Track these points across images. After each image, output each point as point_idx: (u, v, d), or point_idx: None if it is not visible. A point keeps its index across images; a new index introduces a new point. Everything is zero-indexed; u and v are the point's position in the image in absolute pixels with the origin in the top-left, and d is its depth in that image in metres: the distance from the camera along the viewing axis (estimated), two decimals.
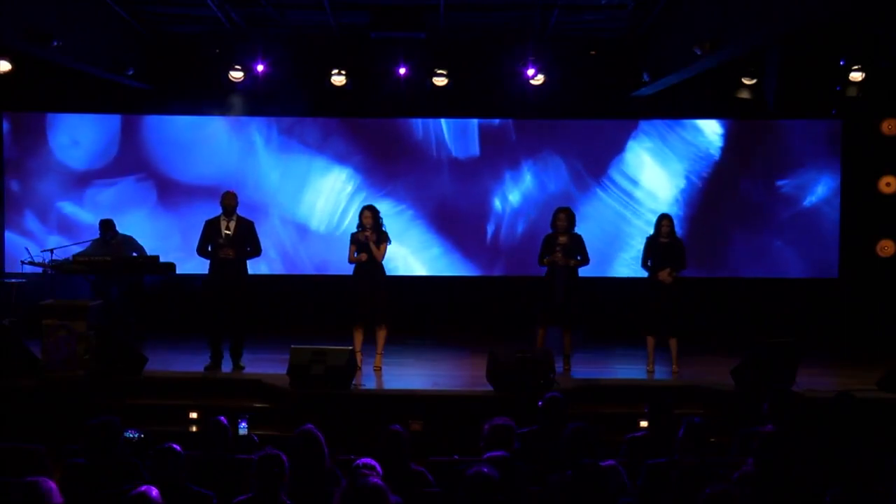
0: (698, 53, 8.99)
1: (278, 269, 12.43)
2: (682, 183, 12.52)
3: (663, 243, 9.77)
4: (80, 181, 12.38)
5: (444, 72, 11.54)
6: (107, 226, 11.06)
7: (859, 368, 10.00)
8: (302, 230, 12.54)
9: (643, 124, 12.49)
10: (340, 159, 12.54)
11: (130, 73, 11.09)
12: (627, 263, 12.29)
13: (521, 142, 12.55)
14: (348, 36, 11.79)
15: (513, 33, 11.73)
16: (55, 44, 9.03)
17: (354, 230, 9.78)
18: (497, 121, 12.51)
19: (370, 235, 9.61)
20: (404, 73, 11.64)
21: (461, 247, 12.60)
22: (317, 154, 12.53)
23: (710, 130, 12.55)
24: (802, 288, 12.40)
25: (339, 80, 11.62)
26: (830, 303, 12.22)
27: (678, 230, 10.27)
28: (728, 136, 12.55)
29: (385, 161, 12.55)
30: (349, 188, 12.54)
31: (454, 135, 12.55)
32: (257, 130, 12.50)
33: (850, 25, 10.02)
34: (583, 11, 10.98)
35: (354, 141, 12.54)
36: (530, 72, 11.48)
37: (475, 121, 12.51)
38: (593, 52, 12.10)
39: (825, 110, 12.14)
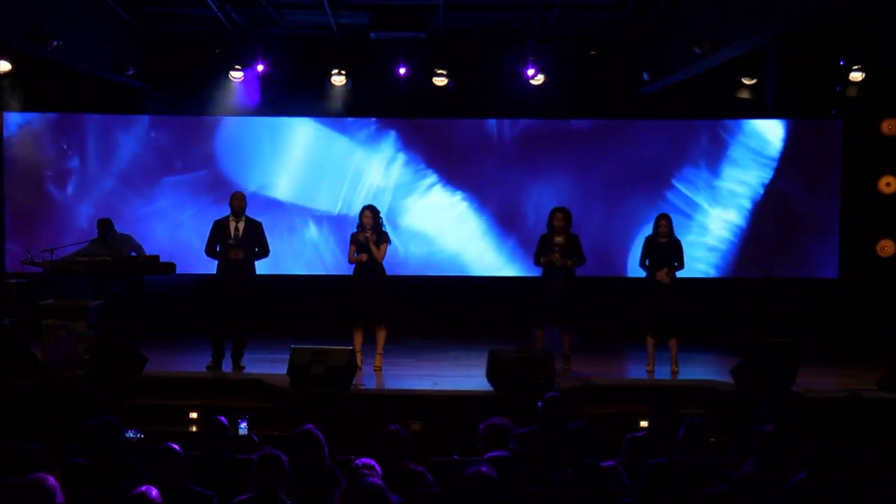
0: (698, 53, 9.00)
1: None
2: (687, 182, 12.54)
3: (662, 243, 9.77)
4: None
5: (445, 72, 11.55)
6: (105, 225, 11.03)
7: (859, 368, 9.99)
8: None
9: (649, 124, 12.47)
10: (342, 160, 12.53)
11: (130, 72, 11.08)
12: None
13: (521, 142, 12.52)
14: (348, 36, 11.79)
15: (513, 33, 11.73)
16: (55, 44, 9.03)
17: (354, 230, 9.78)
18: (495, 121, 12.49)
19: (370, 236, 9.60)
20: (404, 74, 11.64)
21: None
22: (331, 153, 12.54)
23: (712, 129, 12.55)
24: (802, 288, 12.39)
25: (339, 80, 11.63)
26: (830, 303, 12.20)
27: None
28: (728, 136, 12.54)
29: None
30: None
31: (460, 136, 12.54)
32: (266, 129, 12.48)
33: (850, 25, 10.02)
34: (583, 11, 10.98)
35: (357, 141, 12.54)
36: (530, 72, 11.48)
37: (475, 121, 12.49)
38: (593, 52, 12.09)
39: (825, 110, 12.13)
